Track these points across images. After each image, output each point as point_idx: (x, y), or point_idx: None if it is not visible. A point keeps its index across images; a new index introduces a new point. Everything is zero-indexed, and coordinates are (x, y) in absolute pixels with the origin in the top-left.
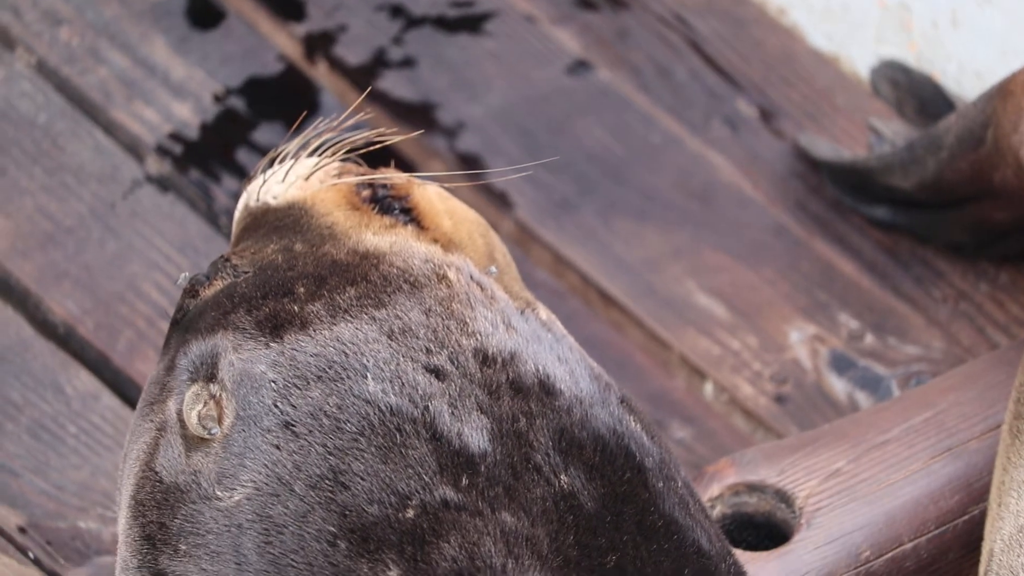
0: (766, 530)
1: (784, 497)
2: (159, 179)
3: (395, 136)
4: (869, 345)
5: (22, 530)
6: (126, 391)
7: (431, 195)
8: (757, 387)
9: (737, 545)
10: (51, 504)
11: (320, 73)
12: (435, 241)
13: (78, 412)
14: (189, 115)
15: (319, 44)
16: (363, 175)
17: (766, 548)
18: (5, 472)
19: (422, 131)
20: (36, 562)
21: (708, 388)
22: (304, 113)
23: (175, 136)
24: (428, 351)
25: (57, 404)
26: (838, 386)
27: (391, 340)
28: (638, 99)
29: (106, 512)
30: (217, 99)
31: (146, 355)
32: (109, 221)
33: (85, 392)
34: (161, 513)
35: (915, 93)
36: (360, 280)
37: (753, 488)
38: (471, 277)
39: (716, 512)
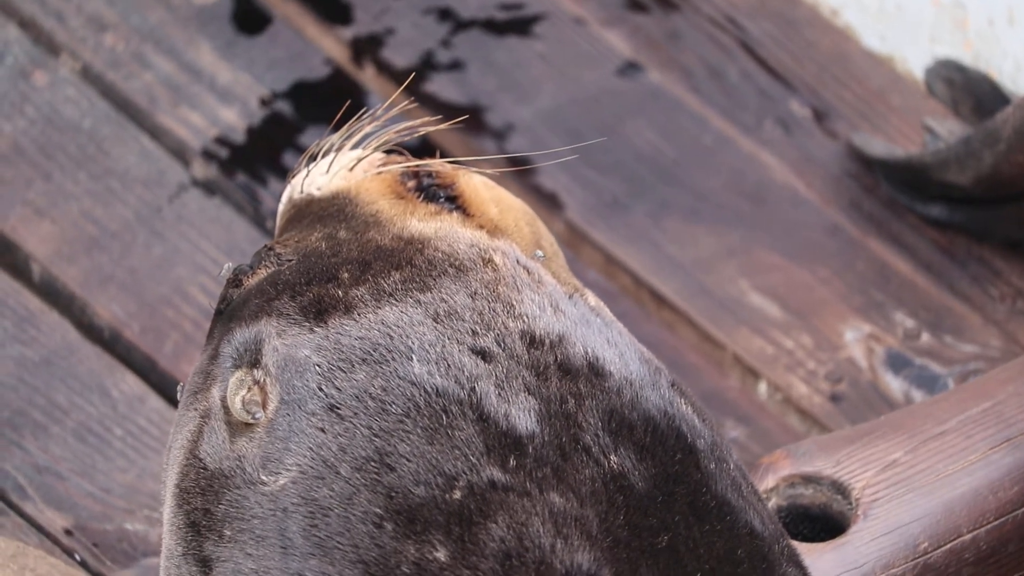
0: (822, 522)
1: (840, 488)
2: (205, 183)
3: (438, 126)
4: (925, 344)
5: (68, 532)
6: (172, 394)
7: (477, 183)
8: (812, 386)
9: (793, 537)
10: (97, 506)
11: (367, 77)
12: (481, 227)
13: (124, 415)
14: (235, 119)
15: (366, 47)
16: (407, 164)
17: (822, 540)
18: (51, 475)
19: (466, 117)
20: (83, 564)
21: (762, 387)
22: (347, 103)
23: (221, 140)
24: (474, 333)
25: (103, 407)
26: (894, 385)
27: (436, 323)
28: (689, 100)
29: (152, 514)
30: (263, 103)
31: (192, 358)
32: (155, 225)
33: (131, 395)
34: (205, 499)
35: (971, 92)
36: (405, 264)
37: (809, 479)
38: (517, 261)
39: (771, 504)
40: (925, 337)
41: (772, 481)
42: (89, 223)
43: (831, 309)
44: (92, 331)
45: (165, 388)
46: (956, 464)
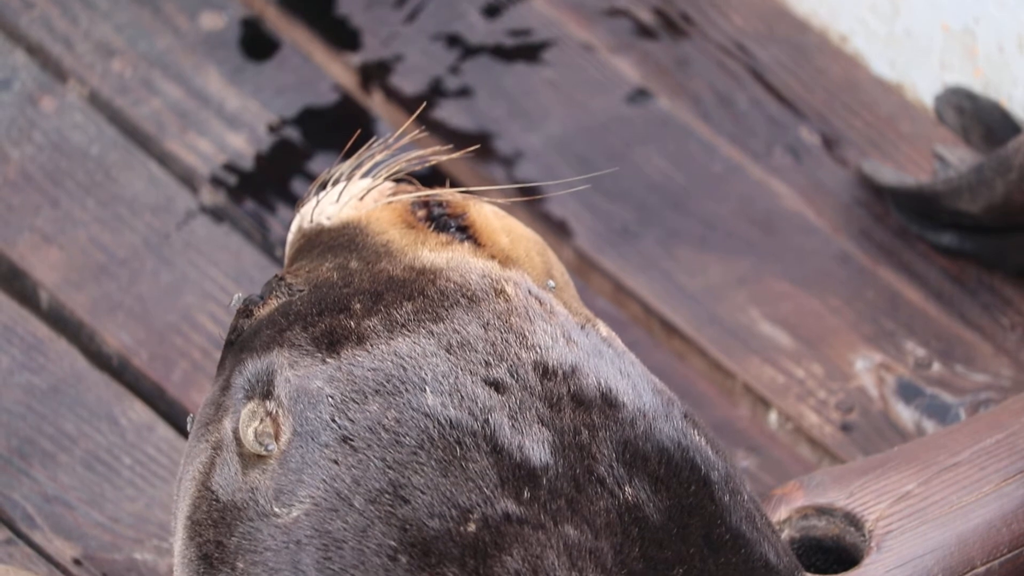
0: (835, 554)
1: (853, 520)
2: (213, 210)
3: (448, 155)
4: (936, 373)
5: (77, 562)
6: (181, 422)
7: (487, 213)
8: (823, 416)
9: (807, 570)
10: (106, 536)
11: (376, 103)
12: (492, 257)
13: (133, 443)
14: (244, 145)
15: (375, 74)
16: (418, 193)
17: (835, 572)
18: (60, 504)
19: (476, 146)
20: None
21: (773, 417)
22: (357, 132)
23: (229, 167)
24: (487, 364)
25: (112, 435)
26: (905, 414)
27: (449, 354)
28: (699, 127)
29: (162, 543)
30: (272, 129)
31: (201, 386)
32: (163, 252)
33: (140, 423)
34: (218, 532)
35: (981, 119)
36: (417, 295)
37: (822, 511)
38: (529, 292)
39: (784, 535)
40: (936, 366)
41: (785, 512)
42: (97, 250)
43: (842, 338)
44: (100, 359)
45: (174, 416)
46: (970, 496)
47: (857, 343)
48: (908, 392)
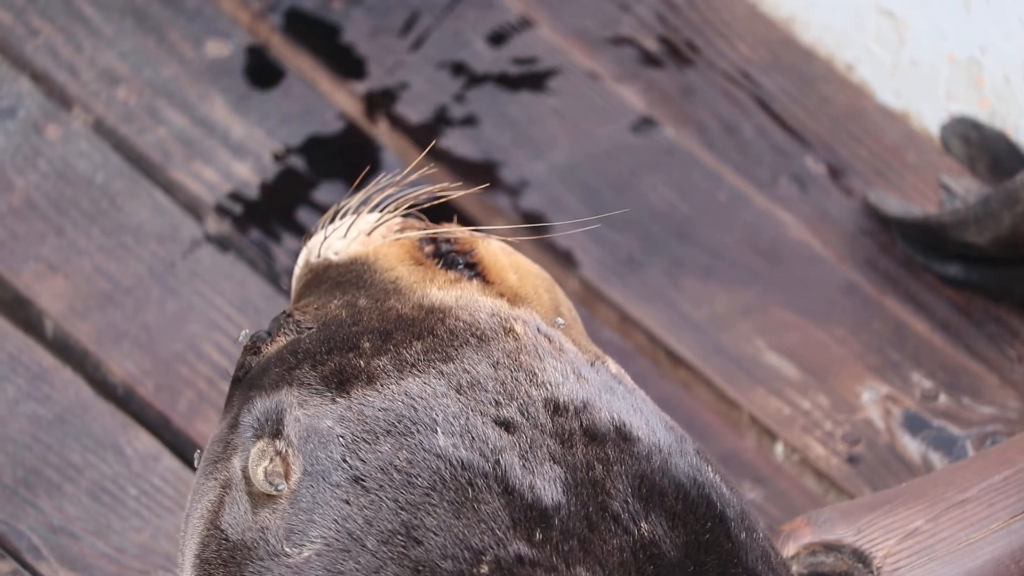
0: None
1: (861, 557)
2: (219, 239)
3: (457, 191)
4: (943, 405)
5: None
6: (186, 452)
7: (495, 249)
8: (829, 447)
9: None
10: (112, 567)
11: (381, 131)
12: (501, 295)
13: (138, 474)
14: (249, 174)
15: (380, 102)
16: (426, 230)
17: None
18: (66, 535)
19: (487, 185)
20: None
21: (779, 448)
22: (367, 168)
23: (235, 195)
24: (497, 404)
25: (117, 466)
26: (912, 447)
27: (460, 394)
28: (704, 156)
29: (167, 575)
30: (277, 158)
31: (207, 416)
32: (168, 281)
33: (145, 453)
34: (228, 571)
35: (987, 149)
36: (426, 334)
37: (830, 548)
38: (538, 329)
39: (793, 572)
40: (943, 398)
41: (793, 549)
42: (102, 279)
43: (848, 369)
44: (106, 388)
45: (179, 446)
46: (978, 533)
47: (863, 374)
48: (914, 424)
